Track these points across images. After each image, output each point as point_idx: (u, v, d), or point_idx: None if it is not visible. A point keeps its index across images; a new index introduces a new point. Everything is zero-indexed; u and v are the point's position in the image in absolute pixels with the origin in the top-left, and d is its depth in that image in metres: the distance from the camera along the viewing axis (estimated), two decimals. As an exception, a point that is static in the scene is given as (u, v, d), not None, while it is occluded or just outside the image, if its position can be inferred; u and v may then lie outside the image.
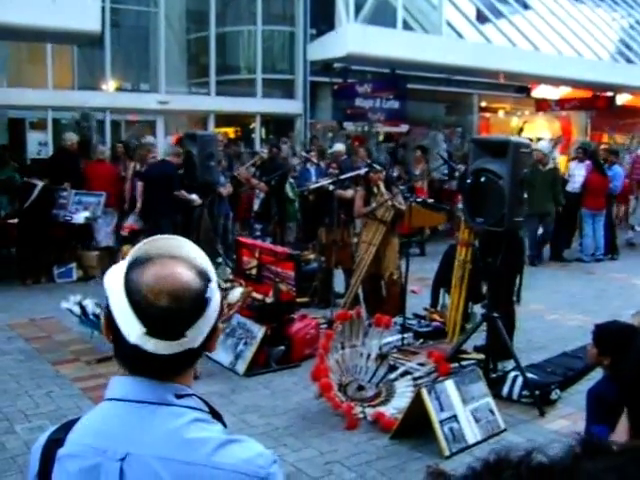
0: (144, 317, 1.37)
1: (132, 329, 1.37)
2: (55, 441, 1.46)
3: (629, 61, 21.26)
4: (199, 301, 1.40)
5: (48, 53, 14.57)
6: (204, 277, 1.42)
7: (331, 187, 8.60)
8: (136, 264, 1.41)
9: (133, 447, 1.39)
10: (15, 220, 10.81)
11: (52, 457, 1.44)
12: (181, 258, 1.43)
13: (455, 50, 16.59)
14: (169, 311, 1.37)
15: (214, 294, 1.43)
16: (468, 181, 6.40)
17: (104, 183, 11.57)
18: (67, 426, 1.48)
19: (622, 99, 22.48)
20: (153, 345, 1.37)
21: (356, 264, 8.54)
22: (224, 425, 1.51)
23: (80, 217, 11.17)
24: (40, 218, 10.52)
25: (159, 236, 1.50)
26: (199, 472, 1.36)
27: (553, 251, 13.32)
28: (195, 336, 1.40)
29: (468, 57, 16.63)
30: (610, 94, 21.83)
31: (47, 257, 10.76)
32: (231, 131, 17.55)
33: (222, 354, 7.09)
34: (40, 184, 10.58)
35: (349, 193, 9.08)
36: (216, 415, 1.52)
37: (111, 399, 1.46)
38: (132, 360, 1.42)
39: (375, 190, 8.24)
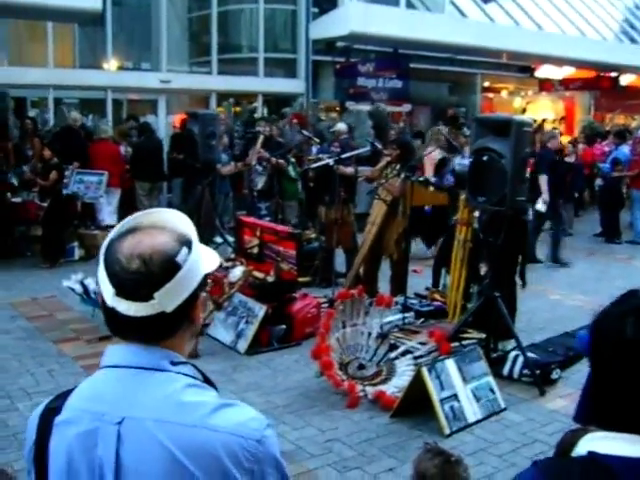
0: (114, 278, 1.42)
1: (106, 291, 1.44)
2: (52, 409, 1.49)
3: (633, 41, 21.15)
4: (168, 264, 1.42)
5: (49, 32, 14.48)
6: (181, 244, 1.45)
7: (331, 163, 8.56)
8: (123, 233, 1.47)
9: (130, 411, 1.41)
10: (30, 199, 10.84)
11: (49, 425, 1.47)
12: (167, 228, 1.47)
13: (458, 29, 16.51)
14: (137, 273, 1.41)
15: (189, 260, 1.44)
16: (470, 160, 6.38)
17: (106, 162, 11.56)
18: (63, 395, 1.51)
19: (626, 80, 22.39)
20: (124, 306, 1.42)
21: (361, 243, 8.54)
22: (217, 393, 1.53)
23: (88, 196, 11.24)
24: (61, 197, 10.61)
25: (155, 209, 1.57)
26: (195, 434, 1.39)
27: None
28: (166, 300, 1.42)
29: (471, 36, 16.56)
30: (614, 74, 21.74)
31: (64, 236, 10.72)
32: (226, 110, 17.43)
33: (223, 333, 7.11)
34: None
35: (349, 170, 9.04)
36: (210, 383, 1.54)
37: (107, 366, 1.49)
38: (111, 323, 1.47)
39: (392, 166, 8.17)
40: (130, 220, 1.50)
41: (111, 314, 1.44)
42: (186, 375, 1.47)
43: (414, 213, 7.66)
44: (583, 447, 1.29)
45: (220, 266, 7.80)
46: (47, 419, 1.48)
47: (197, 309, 1.51)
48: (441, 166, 10.18)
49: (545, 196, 10.62)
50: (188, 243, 1.46)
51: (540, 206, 10.66)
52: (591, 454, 1.26)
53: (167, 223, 1.49)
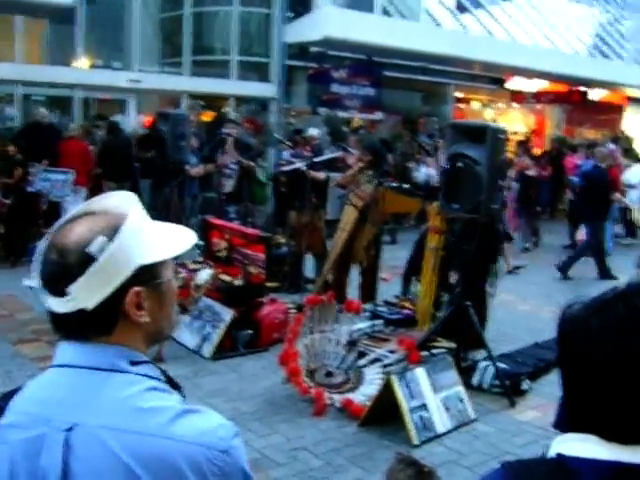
0: (40, 270, 1.31)
1: (37, 283, 1.32)
2: None
3: (604, 55, 21.35)
4: (82, 256, 1.27)
5: (18, 27, 14.22)
6: (102, 232, 1.29)
7: (304, 168, 8.46)
8: (68, 219, 1.34)
9: (81, 417, 1.26)
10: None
11: None
12: (107, 213, 1.32)
13: (432, 37, 16.52)
14: (54, 265, 1.29)
15: (107, 251, 1.28)
16: (445, 166, 6.30)
17: (74, 160, 11.34)
18: (8, 395, 1.36)
19: (597, 94, 22.59)
20: (47, 300, 1.30)
21: (330, 249, 8.44)
22: (183, 397, 1.38)
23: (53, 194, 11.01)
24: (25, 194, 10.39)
25: (115, 192, 1.41)
26: (152, 443, 1.23)
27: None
28: (82, 295, 1.27)
29: (445, 45, 16.56)
30: (585, 89, 21.92)
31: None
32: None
33: (188, 336, 6.95)
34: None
35: (321, 175, 8.95)
36: (174, 386, 1.39)
37: (58, 365, 1.33)
38: (50, 319, 1.34)
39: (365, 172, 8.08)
40: (85, 205, 1.36)
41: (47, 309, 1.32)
42: (147, 377, 1.32)
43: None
44: (553, 449, 1.25)
45: (187, 268, 7.65)
46: None
47: (131, 305, 1.32)
48: None
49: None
50: (113, 230, 1.29)
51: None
52: (559, 456, 1.23)
53: (115, 208, 1.33)
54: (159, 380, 1.35)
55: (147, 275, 1.33)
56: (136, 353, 1.34)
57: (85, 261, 1.26)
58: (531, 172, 14.06)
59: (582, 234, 11.65)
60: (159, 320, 1.39)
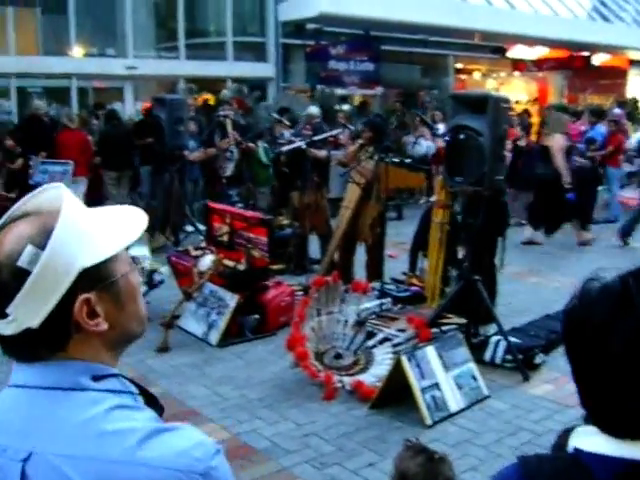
0: None
1: None
2: None
3: (605, 19, 21.06)
4: (15, 271, 1.11)
5: (10, 18, 14.06)
6: (33, 240, 1.13)
7: (304, 147, 8.32)
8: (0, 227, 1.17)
9: (38, 444, 1.11)
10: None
11: None
12: (43, 214, 1.16)
13: (430, 8, 16.28)
14: None
15: (42, 260, 1.11)
16: (447, 138, 6.16)
17: (73, 151, 11.21)
18: None
19: (599, 59, 22.31)
20: None
21: (335, 228, 8.32)
22: (160, 411, 1.22)
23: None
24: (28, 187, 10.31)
25: (46, 185, 1.23)
26: (120, 471, 1.08)
27: None
28: (24, 314, 1.11)
29: (444, 16, 16.36)
30: (587, 54, 21.65)
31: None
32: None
33: (194, 324, 6.85)
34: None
35: (322, 153, 8.81)
36: (150, 399, 1.24)
37: (12, 386, 1.19)
38: None
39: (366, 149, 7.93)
40: (18, 205, 1.20)
41: None
42: (113, 392, 1.17)
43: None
44: (572, 442, 1.18)
45: (190, 255, 7.54)
46: None
47: (80, 315, 1.15)
48: (568, 152, 10.78)
49: None
50: (43, 235, 1.12)
51: None
52: (576, 451, 1.16)
53: (47, 205, 1.17)
54: (130, 394, 1.20)
55: (94, 277, 1.17)
56: (99, 366, 1.19)
57: (18, 276, 1.11)
58: (521, 143, 13.80)
59: (627, 196, 11.93)
60: (122, 323, 1.22)
